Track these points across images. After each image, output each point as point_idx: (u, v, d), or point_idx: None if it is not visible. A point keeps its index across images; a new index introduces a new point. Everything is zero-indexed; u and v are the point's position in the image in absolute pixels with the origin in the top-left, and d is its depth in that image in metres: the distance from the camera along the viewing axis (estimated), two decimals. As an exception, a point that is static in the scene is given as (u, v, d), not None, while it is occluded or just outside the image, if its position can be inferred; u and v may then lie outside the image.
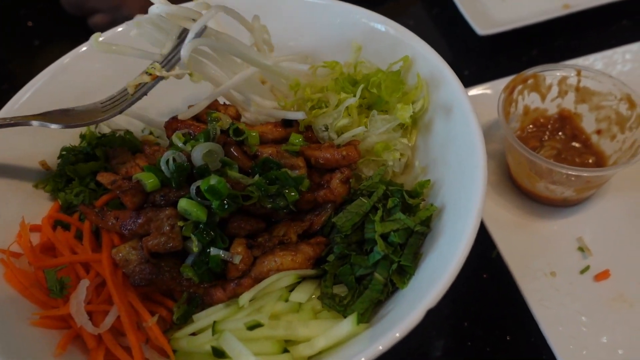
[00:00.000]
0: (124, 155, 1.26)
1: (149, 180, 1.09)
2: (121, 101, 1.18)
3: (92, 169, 1.25)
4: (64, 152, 1.28)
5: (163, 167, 1.10)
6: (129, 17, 1.78)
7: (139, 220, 1.08)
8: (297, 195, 1.13)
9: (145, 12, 1.82)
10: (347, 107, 1.29)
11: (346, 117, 1.29)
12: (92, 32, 1.90)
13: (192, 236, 1.07)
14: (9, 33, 2.11)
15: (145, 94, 1.16)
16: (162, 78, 1.14)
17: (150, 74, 1.13)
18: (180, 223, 1.08)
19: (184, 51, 1.11)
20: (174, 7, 1.15)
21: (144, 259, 1.09)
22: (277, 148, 1.23)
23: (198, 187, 1.08)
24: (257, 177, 1.13)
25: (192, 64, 1.15)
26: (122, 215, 1.11)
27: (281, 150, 1.22)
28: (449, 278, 0.95)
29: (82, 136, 1.32)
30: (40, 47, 2.04)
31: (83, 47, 1.38)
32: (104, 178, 1.18)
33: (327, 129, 1.32)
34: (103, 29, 1.90)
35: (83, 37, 1.95)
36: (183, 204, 1.07)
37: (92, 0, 1.87)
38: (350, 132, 1.27)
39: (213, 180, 1.06)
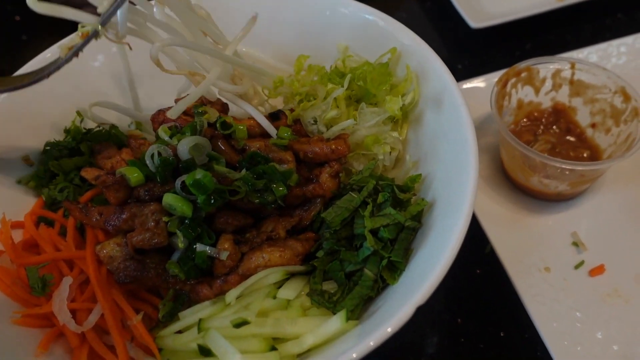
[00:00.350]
0: (109, 150, 1.23)
1: (133, 175, 1.06)
2: (51, 65, 1.12)
3: (77, 165, 1.23)
4: (47, 147, 1.25)
5: (148, 161, 1.08)
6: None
7: (123, 216, 1.06)
8: (285, 190, 1.11)
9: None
10: (335, 99, 1.27)
11: (335, 109, 1.27)
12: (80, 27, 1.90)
13: (178, 232, 1.05)
14: (-3, 28, 2.08)
15: (76, 55, 1.09)
16: (93, 36, 1.06)
17: (82, 34, 1.07)
18: (165, 218, 1.06)
19: (153, 51, 1.07)
20: None
21: (128, 256, 1.06)
22: (265, 142, 1.20)
23: (183, 182, 1.05)
24: (244, 171, 1.11)
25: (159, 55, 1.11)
26: (106, 211, 1.09)
27: (269, 144, 1.20)
28: (439, 274, 0.93)
29: (67, 131, 1.29)
30: (27, 41, 2.01)
31: (64, 41, 1.34)
32: (88, 173, 1.15)
33: (315, 122, 1.30)
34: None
35: (71, 31, 1.93)
36: (168, 199, 1.04)
37: (80, -6, 1.84)
38: (339, 125, 1.24)
39: (199, 174, 1.03)
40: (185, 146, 1.10)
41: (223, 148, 1.18)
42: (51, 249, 1.11)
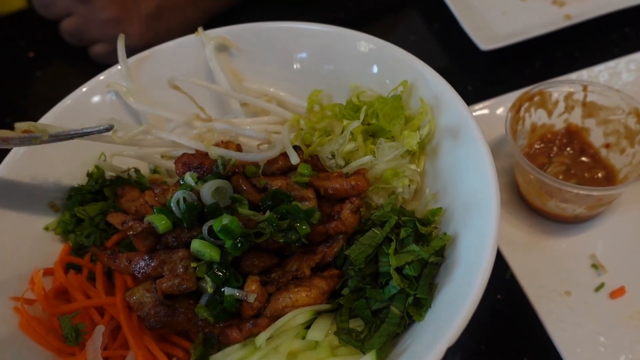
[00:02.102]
0: (132, 193, 1.25)
1: (161, 223, 1.08)
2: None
3: (102, 209, 1.25)
4: (72, 193, 1.28)
5: (174, 207, 1.10)
6: (129, 47, 1.79)
7: (152, 264, 1.08)
8: (308, 229, 1.13)
9: (145, 41, 1.84)
10: (352, 132, 1.29)
11: (352, 142, 1.29)
12: (93, 62, 1.93)
13: (206, 277, 1.06)
14: (10, 64, 2.11)
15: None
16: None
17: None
18: (193, 264, 1.08)
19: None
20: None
21: (158, 301, 1.08)
22: (287, 180, 1.22)
23: (210, 227, 1.07)
24: (268, 213, 1.13)
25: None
26: (135, 257, 1.11)
27: (291, 182, 1.21)
28: (468, 313, 0.94)
29: (90, 175, 1.31)
30: (42, 78, 2.03)
31: (84, 88, 1.36)
32: (114, 219, 1.17)
33: (333, 156, 1.31)
34: (104, 58, 1.91)
35: (84, 67, 1.96)
36: (196, 245, 1.06)
37: (92, 31, 1.86)
38: (358, 161, 1.26)
39: (225, 219, 1.05)
40: (207, 190, 1.12)
41: (245, 188, 1.20)
42: (81, 296, 1.13)
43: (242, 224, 1.08)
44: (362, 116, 1.29)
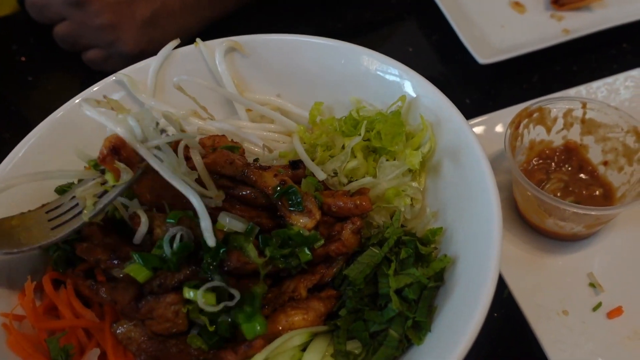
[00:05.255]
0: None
1: (140, 275, 1.02)
2: (73, 216, 1.05)
3: None
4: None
5: (165, 246, 1.02)
6: (123, 53, 1.76)
7: (140, 310, 1.03)
8: (310, 256, 1.09)
9: (140, 47, 1.81)
10: (352, 149, 1.28)
11: (354, 160, 1.28)
12: (87, 67, 1.89)
13: (202, 316, 1.02)
14: (1, 69, 2.07)
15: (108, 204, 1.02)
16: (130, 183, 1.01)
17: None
18: (184, 309, 1.02)
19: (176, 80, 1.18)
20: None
21: (147, 336, 1.04)
22: None
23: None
24: (267, 251, 1.08)
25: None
26: (119, 299, 1.04)
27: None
28: (470, 339, 0.93)
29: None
30: (34, 82, 1.99)
31: (77, 99, 1.33)
32: (86, 253, 1.08)
33: (336, 173, 1.29)
34: (97, 64, 1.88)
35: (77, 72, 1.93)
36: (190, 295, 1.01)
37: (87, 36, 1.83)
38: (359, 181, 1.25)
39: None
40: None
41: (254, 178, 1.18)
42: (70, 314, 1.10)
43: (241, 265, 1.05)
44: (362, 132, 1.27)
